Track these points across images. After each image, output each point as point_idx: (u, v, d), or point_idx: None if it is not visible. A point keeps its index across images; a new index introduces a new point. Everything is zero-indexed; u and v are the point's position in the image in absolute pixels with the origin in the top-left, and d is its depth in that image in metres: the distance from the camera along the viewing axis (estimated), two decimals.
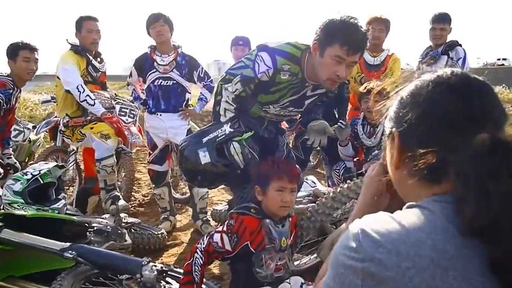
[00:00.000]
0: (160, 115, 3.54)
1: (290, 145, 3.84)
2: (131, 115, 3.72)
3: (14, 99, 3.23)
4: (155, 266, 1.86)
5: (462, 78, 0.75)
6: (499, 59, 36.41)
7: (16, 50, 3.15)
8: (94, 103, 3.21)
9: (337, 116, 3.83)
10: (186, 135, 3.38)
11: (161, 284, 1.85)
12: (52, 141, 4.82)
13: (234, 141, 2.04)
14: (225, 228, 1.85)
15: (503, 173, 0.63)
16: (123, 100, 3.82)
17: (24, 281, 1.92)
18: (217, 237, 1.82)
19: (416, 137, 0.74)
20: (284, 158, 2.39)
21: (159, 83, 3.51)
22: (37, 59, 3.24)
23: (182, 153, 2.11)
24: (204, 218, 3.56)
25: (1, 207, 2.40)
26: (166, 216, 3.67)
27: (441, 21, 3.74)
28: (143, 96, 3.68)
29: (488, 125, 0.69)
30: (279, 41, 2.12)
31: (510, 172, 0.63)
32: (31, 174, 2.40)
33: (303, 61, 2.06)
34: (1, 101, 3.05)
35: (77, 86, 3.18)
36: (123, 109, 3.74)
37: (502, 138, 0.67)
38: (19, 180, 2.38)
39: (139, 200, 4.80)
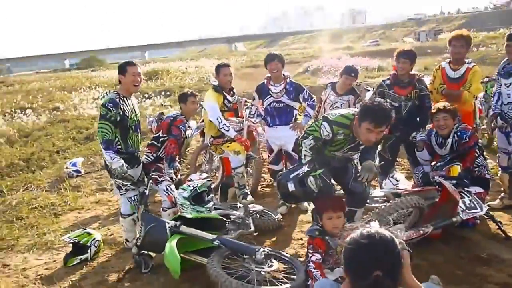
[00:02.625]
0: (276, 127, 4.78)
1: (379, 148, 4.77)
2: (257, 116, 4.99)
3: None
4: (264, 251, 3.11)
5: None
6: None
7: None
8: (229, 129, 4.54)
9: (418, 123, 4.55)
10: (295, 143, 4.56)
11: (267, 262, 3.10)
12: (201, 137, 6.44)
13: (310, 175, 3.17)
14: (311, 250, 2.89)
15: None
16: (251, 104, 5.10)
17: (193, 254, 3.36)
18: (313, 258, 2.84)
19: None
20: (353, 179, 3.43)
21: (273, 106, 4.76)
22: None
23: (278, 182, 3.36)
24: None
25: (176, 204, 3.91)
26: (283, 201, 4.93)
27: None
28: (263, 113, 4.94)
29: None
30: (336, 113, 3.17)
31: None
32: (193, 186, 3.83)
33: (352, 126, 3.10)
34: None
35: (217, 118, 4.54)
36: (251, 113, 5.05)
37: None
38: (186, 190, 3.84)
39: (267, 181, 6.14)
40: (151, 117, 6.83)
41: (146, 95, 17.12)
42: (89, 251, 3.95)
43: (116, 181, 3.89)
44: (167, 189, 4.10)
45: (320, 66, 25.29)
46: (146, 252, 3.58)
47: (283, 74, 4.75)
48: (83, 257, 3.91)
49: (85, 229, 4.19)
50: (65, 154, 9.24)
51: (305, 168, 3.21)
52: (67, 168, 7.13)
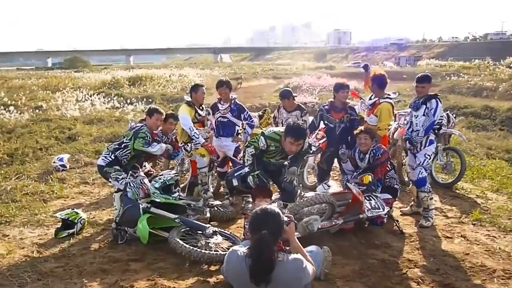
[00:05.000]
0: (220, 138, 5.89)
1: (318, 160, 5.89)
2: (212, 129, 6.09)
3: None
4: (212, 228, 4.17)
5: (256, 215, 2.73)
6: None
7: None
8: (198, 137, 5.59)
9: (350, 141, 5.68)
10: (234, 151, 5.73)
11: (214, 236, 4.14)
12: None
13: (250, 175, 4.26)
14: (246, 220, 3.99)
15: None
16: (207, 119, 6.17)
17: (159, 230, 4.37)
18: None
19: None
20: (285, 181, 4.52)
21: (220, 120, 5.87)
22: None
23: (226, 179, 4.43)
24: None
25: (149, 195, 4.89)
26: (227, 197, 5.93)
27: (421, 82, 5.06)
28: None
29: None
30: (271, 130, 4.30)
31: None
32: (163, 179, 4.84)
33: (281, 141, 4.20)
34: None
35: (189, 128, 5.60)
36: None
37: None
38: (157, 182, 4.84)
39: None
40: (132, 122, 7.81)
41: (128, 101, 17.97)
42: (76, 227, 4.90)
43: (112, 176, 4.93)
44: (141, 182, 5.06)
45: (300, 84, 26.60)
46: (122, 227, 4.56)
47: (231, 96, 5.87)
48: (70, 231, 4.87)
49: (74, 209, 5.14)
50: (48, 152, 9.95)
51: (246, 169, 4.34)
52: (54, 162, 8.03)
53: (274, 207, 2.85)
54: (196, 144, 5.67)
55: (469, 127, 15.09)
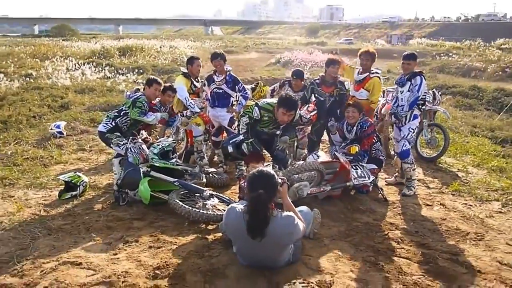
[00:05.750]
0: (215, 108, 6.12)
1: (308, 131, 6.18)
2: (206, 100, 6.30)
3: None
4: (209, 191, 4.46)
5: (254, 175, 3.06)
6: None
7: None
8: (194, 106, 5.82)
9: (339, 114, 5.97)
10: (229, 121, 5.95)
11: (211, 199, 4.43)
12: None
13: (244, 142, 4.53)
14: (241, 181, 4.30)
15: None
16: (202, 91, 6.40)
17: (158, 192, 4.65)
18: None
19: None
20: (277, 149, 4.80)
21: (215, 91, 6.09)
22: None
23: (222, 146, 4.70)
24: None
25: (148, 160, 5.15)
26: (221, 165, 6.24)
27: (407, 59, 5.33)
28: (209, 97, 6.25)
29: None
30: (264, 101, 4.55)
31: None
32: (161, 145, 5.09)
33: (274, 111, 4.46)
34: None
35: (185, 98, 5.81)
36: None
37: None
38: (155, 148, 5.09)
39: None
40: (128, 91, 7.98)
41: (119, 71, 17.95)
42: (78, 189, 5.15)
43: (113, 142, 5.09)
44: (140, 148, 5.31)
45: (291, 58, 26.69)
46: (123, 190, 4.83)
47: (226, 68, 6.08)
48: (73, 193, 5.12)
49: (76, 172, 5.38)
50: (42, 120, 10.06)
51: (241, 137, 4.63)
52: (51, 129, 8.20)
53: (270, 169, 3.15)
54: (191, 112, 5.90)
55: (456, 106, 15.49)
